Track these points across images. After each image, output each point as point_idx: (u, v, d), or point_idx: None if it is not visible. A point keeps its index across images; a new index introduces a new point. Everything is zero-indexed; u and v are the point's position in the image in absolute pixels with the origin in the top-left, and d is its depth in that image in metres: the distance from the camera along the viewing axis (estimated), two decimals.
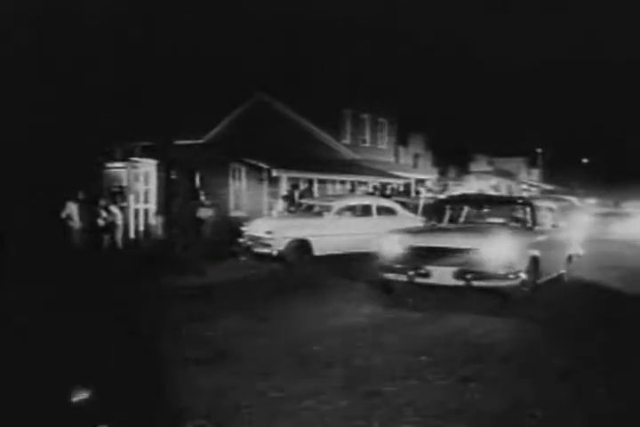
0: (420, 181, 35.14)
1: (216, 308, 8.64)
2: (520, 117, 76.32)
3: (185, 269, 11.79)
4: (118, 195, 17.07)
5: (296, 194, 19.96)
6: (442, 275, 8.58)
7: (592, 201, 31.92)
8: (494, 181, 41.40)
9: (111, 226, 14.88)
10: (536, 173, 56.72)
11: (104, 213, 14.72)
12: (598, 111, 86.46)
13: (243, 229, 14.85)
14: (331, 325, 7.71)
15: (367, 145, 33.18)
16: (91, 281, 10.06)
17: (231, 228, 16.23)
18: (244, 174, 22.29)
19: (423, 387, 5.27)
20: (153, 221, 17.59)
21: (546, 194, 35.86)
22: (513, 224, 10.13)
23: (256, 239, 13.97)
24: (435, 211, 11.60)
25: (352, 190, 24.03)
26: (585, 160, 59.99)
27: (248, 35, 26.69)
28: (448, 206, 11.62)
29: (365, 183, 25.88)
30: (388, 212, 15.66)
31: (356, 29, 29.17)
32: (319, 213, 15.04)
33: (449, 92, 62.66)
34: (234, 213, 21.07)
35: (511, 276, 8.38)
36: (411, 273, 8.73)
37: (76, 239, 13.95)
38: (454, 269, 8.48)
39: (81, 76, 17.80)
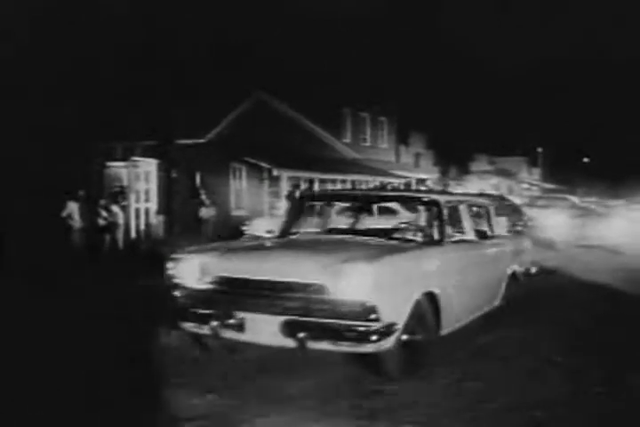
0: (421, 181, 35.15)
1: None
2: (521, 117, 76.44)
3: None
4: (119, 194, 17.08)
5: (297, 193, 19.96)
6: (262, 328, 5.03)
7: (592, 199, 32.04)
8: (495, 180, 41.46)
9: (112, 225, 14.89)
10: (537, 172, 56.79)
11: (105, 213, 14.73)
12: (598, 111, 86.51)
13: (243, 228, 14.88)
14: None
15: (367, 144, 33.17)
16: (91, 280, 10.09)
17: (232, 227, 16.25)
18: (244, 174, 22.31)
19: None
20: (154, 220, 17.60)
21: (547, 193, 35.89)
22: (408, 236, 6.30)
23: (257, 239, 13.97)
24: (291, 215, 7.22)
25: (352, 190, 24.02)
26: (585, 159, 60.12)
27: (248, 34, 26.70)
28: (317, 207, 7.66)
29: (367, 183, 25.91)
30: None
31: (356, 29, 29.18)
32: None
33: (450, 92, 62.76)
34: (235, 213, 21.10)
35: (374, 336, 4.73)
36: (214, 323, 5.16)
37: (76, 239, 13.97)
38: (282, 318, 4.94)
39: (81, 76, 17.83)
